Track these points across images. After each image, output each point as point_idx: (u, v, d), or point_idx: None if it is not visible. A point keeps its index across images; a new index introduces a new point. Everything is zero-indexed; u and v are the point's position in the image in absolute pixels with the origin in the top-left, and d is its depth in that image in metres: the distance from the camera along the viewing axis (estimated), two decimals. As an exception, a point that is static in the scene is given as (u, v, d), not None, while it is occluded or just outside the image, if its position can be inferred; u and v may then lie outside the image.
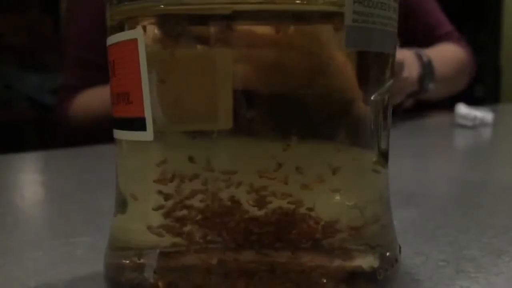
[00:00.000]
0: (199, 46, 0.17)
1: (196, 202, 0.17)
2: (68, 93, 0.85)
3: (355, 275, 0.18)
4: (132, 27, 0.18)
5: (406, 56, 0.80)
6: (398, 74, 0.73)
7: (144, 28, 0.17)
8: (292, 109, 0.17)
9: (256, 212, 0.17)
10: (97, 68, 0.64)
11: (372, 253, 0.18)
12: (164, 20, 0.18)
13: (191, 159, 0.17)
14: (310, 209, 0.17)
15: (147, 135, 0.18)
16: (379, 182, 0.20)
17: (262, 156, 0.17)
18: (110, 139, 0.20)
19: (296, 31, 0.17)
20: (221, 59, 0.17)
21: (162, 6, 0.17)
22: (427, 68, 0.83)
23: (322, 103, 0.18)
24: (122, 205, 0.20)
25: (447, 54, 0.93)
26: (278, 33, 0.17)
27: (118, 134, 0.19)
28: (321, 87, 0.18)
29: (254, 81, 0.17)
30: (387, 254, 0.19)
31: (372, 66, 0.19)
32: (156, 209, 0.18)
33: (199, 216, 0.17)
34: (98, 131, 0.52)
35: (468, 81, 1.01)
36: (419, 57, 0.84)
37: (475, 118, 0.76)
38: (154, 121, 0.17)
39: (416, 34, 0.95)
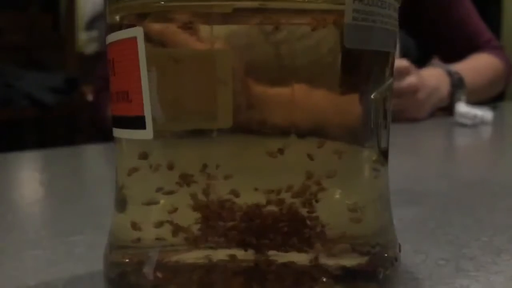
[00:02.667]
0: (199, 44, 0.17)
1: (195, 200, 0.17)
2: (104, 83, 0.88)
3: (355, 274, 0.18)
4: (132, 25, 0.18)
5: (434, 75, 0.86)
6: (404, 78, 0.77)
7: (144, 26, 0.17)
8: (292, 108, 0.17)
9: (255, 211, 0.17)
10: None
11: (372, 251, 0.18)
12: (164, 18, 0.17)
13: (190, 157, 0.17)
14: (310, 208, 0.17)
15: (147, 133, 0.18)
16: (379, 181, 0.20)
17: (262, 155, 0.17)
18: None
19: (296, 29, 0.17)
20: (221, 58, 0.17)
21: (162, 3, 0.17)
22: (457, 84, 0.88)
23: (322, 101, 0.18)
24: (121, 204, 0.20)
25: (480, 66, 0.97)
26: (278, 31, 0.17)
27: (118, 132, 0.19)
28: (321, 85, 0.18)
29: (253, 79, 0.17)
30: (387, 253, 0.19)
31: (372, 64, 0.19)
32: (156, 207, 0.18)
33: (199, 215, 0.17)
34: None
35: (504, 88, 1.06)
36: (449, 74, 0.88)
37: (475, 117, 0.76)
38: (153, 120, 0.17)
39: (456, 44, 1.00)
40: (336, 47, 0.17)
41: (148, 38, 0.17)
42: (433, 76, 0.86)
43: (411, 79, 0.80)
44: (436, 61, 1.05)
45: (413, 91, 0.80)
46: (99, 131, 0.95)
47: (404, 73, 0.80)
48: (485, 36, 1.02)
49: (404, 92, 0.79)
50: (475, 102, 0.86)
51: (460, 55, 0.95)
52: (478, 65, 0.96)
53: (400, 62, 0.80)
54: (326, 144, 0.18)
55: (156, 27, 0.17)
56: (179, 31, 0.17)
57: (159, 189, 0.18)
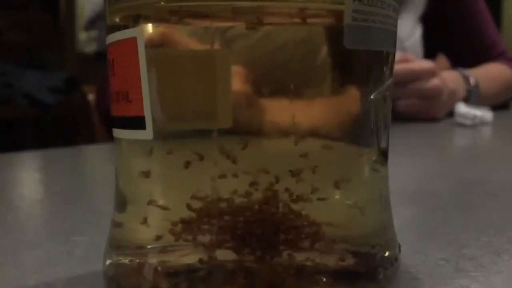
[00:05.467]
0: (198, 45, 0.17)
1: (195, 201, 0.17)
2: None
3: (354, 274, 0.18)
4: (132, 26, 0.18)
5: (453, 78, 0.89)
6: (429, 79, 0.78)
7: (144, 26, 0.17)
8: (291, 108, 0.17)
9: (255, 211, 0.17)
10: None
11: (371, 252, 0.18)
12: (164, 19, 0.17)
13: (190, 157, 0.17)
14: (309, 208, 0.17)
15: (147, 133, 0.18)
16: (379, 181, 0.20)
17: (261, 155, 0.17)
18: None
19: (296, 29, 0.17)
20: (221, 58, 0.17)
21: (162, 3, 0.17)
22: (473, 90, 0.92)
23: (321, 101, 0.18)
24: (121, 204, 0.20)
25: (494, 74, 1.01)
26: (278, 31, 0.17)
27: (118, 133, 0.19)
28: (320, 85, 0.18)
29: (253, 79, 0.17)
30: (387, 253, 0.19)
31: (371, 65, 0.19)
32: (155, 208, 0.18)
33: (199, 215, 0.17)
34: None
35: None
36: (466, 79, 0.92)
37: (474, 117, 0.76)
38: (153, 120, 0.17)
39: (471, 54, 1.03)
40: (335, 48, 0.17)
41: (148, 39, 0.17)
42: (452, 79, 0.89)
43: (436, 81, 0.82)
44: (442, 59, 1.07)
45: (438, 93, 0.82)
46: (104, 121, 0.95)
47: (430, 74, 0.81)
48: (500, 48, 1.06)
49: (430, 93, 0.81)
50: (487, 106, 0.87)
51: (473, 64, 0.98)
52: (491, 73, 1.00)
53: (426, 64, 0.82)
54: (325, 144, 0.18)
55: (156, 28, 0.17)
56: (179, 32, 0.17)
57: (158, 190, 0.18)
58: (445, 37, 1.05)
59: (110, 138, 0.21)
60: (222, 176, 0.17)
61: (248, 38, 0.17)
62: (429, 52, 1.03)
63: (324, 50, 0.18)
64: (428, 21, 1.02)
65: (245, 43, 0.17)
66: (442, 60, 1.10)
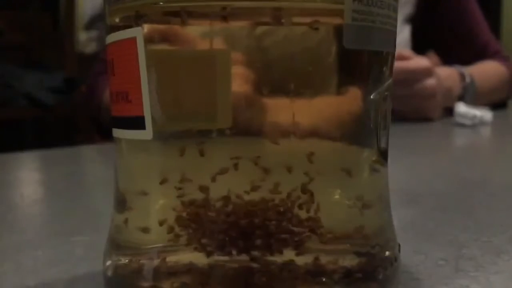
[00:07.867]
0: (198, 45, 0.17)
1: (195, 201, 0.17)
2: (100, 79, 0.89)
3: (354, 274, 0.18)
4: (131, 26, 0.18)
5: (448, 75, 0.89)
6: (425, 79, 0.78)
7: (143, 26, 0.17)
8: (291, 108, 0.17)
9: (254, 212, 0.17)
10: None
11: (371, 252, 0.18)
12: (163, 19, 0.17)
13: (190, 158, 0.17)
14: (309, 208, 0.17)
15: (146, 134, 0.18)
16: (379, 181, 0.20)
17: (260, 155, 0.17)
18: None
19: (295, 30, 0.17)
20: (221, 58, 0.17)
21: (162, 4, 0.17)
22: (468, 87, 0.91)
23: (321, 101, 0.18)
24: (121, 204, 0.20)
25: (489, 71, 1.01)
26: (276, 32, 0.17)
27: (117, 133, 0.19)
28: (320, 85, 0.18)
29: (253, 79, 0.17)
30: (387, 253, 0.19)
31: (371, 65, 0.19)
32: (155, 208, 0.18)
33: (198, 216, 0.17)
34: None
35: (507, 96, 1.11)
36: (462, 76, 0.91)
37: (474, 117, 0.76)
38: (153, 120, 0.17)
39: (465, 55, 1.03)
40: (335, 48, 0.17)
41: (147, 39, 0.17)
42: (448, 77, 0.89)
43: (432, 81, 0.81)
44: (433, 56, 1.07)
45: (432, 93, 0.81)
46: (94, 121, 0.95)
47: (426, 74, 0.80)
48: (494, 48, 1.05)
49: (424, 93, 0.80)
50: (482, 105, 0.87)
51: (466, 64, 0.98)
52: (486, 70, 1.00)
53: (422, 62, 0.81)
54: (325, 144, 0.18)
55: (156, 28, 0.17)
56: (178, 32, 0.17)
57: (158, 190, 0.18)
58: (436, 37, 1.05)
59: (101, 137, 0.21)
60: (222, 177, 0.17)
61: (248, 38, 0.17)
62: (418, 52, 1.03)
63: (324, 50, 0.18)
64: (417, 21, 1.02)
65: (245, 44, 0.17)
66: (433, 57, 1.10)
